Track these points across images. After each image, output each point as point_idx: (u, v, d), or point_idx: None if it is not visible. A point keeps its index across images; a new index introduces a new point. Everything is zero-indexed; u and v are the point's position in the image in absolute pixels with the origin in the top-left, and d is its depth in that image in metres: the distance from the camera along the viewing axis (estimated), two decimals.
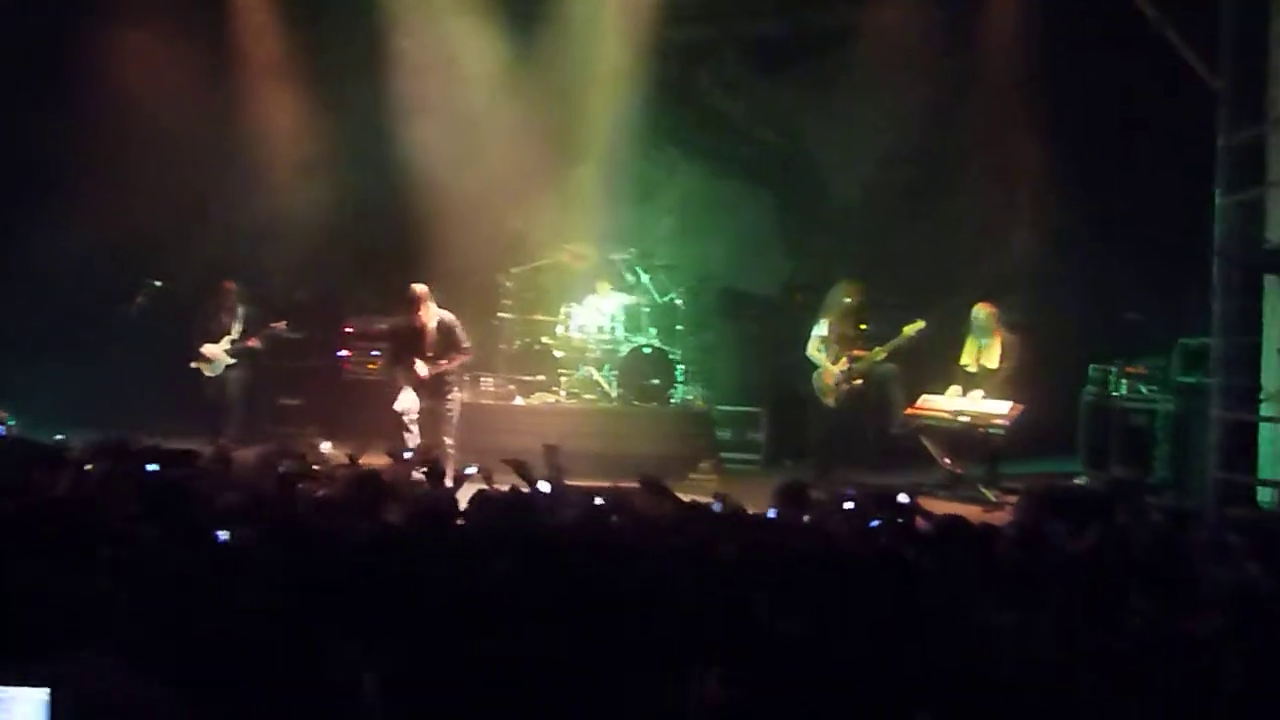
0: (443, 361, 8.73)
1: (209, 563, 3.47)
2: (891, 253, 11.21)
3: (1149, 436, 9.20)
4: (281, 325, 10.46)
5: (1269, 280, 7.99)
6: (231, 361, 10.32)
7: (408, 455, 6.71)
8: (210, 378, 10.31)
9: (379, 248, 11.27)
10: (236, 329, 10.37)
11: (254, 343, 10.36)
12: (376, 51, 10.87)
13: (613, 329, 10.77)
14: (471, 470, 5.84)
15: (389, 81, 10.81)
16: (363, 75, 10.85)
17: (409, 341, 8.77)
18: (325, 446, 7.98)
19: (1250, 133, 7.89)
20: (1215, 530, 4.80)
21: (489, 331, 10.33)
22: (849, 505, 5.12)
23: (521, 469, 5.61)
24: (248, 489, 4.91)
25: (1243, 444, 7.84)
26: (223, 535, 3.83)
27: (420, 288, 8.80)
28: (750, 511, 5.17)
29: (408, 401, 8.64)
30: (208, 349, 10.32)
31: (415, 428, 8.50)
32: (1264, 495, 7.59)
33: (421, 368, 8.63)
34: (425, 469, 5.82)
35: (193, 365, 10.30)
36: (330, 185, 11.03)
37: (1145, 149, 9.81)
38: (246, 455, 6.25)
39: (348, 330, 11.68)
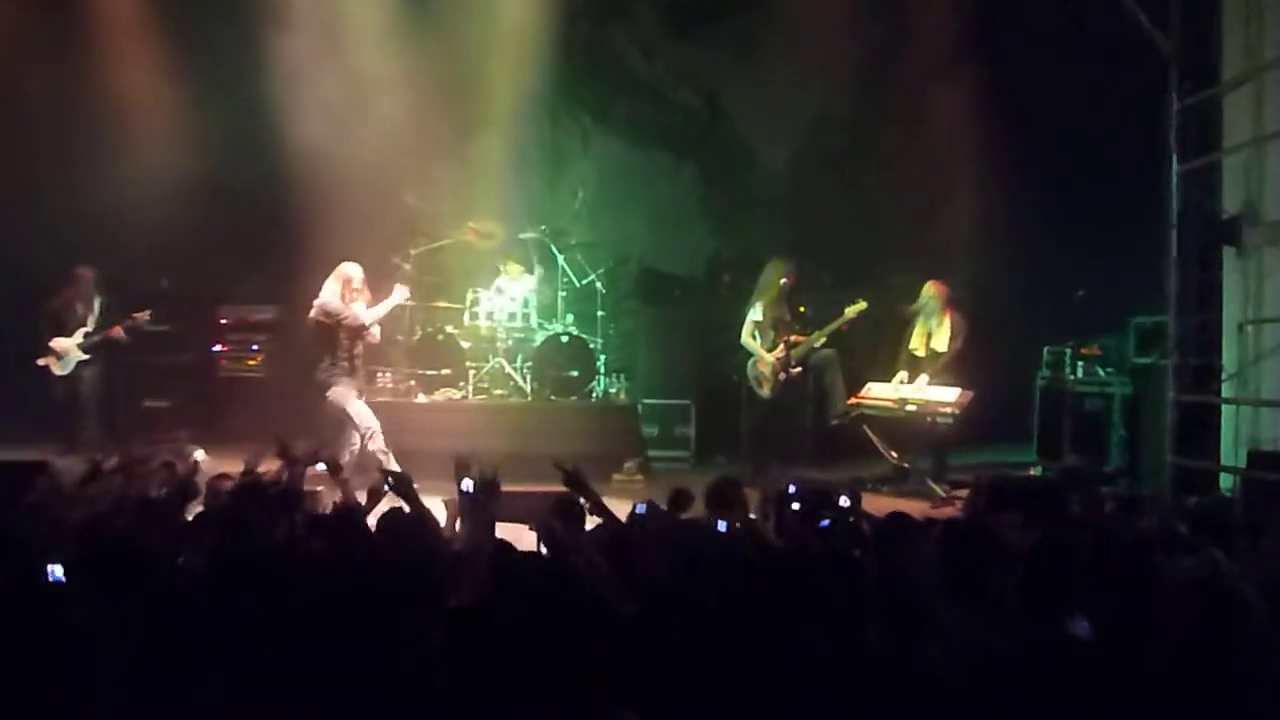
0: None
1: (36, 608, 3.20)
2: (825, 227, 11.42)
3: (1103, 422, 9.46)
4: (144, 316, 10.27)
5: (1227, 253, 8.18)
6: (85, 357, 10.19)
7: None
8: (61, 376, 10.14)
9: (256, 228, 11.14)
10: (92, 320, 10.30)
11: (116, 332, 10.16)
12: (250, 7, 10.73)
13: (525, 316, 10.77)
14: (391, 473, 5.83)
15: (265, 41, 10.69)
16: (235, 34, 10.71)
17: (350, 336, 8.57)
18: (199, 455, 7.53)
19: (1204, 95, 8.09)
20: (1167, 519, 4.95)
21: (385, 321, 10.06)
22: (797, 505, 5.19)
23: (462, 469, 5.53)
24: (91, 510, 4.81)
25: (1202, 427, 8.05)
26: (55, 572, 3.47)
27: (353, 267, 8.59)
28: (682, 516, 5.24)
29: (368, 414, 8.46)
30: (58, 343, 10.14)
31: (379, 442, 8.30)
32: (1226, 482, 7.81)
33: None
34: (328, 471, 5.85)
35: (41, 362, 10.11)
36: (200, 158, 10.85)
37: (1092, 113, 10.06)
38: (72, 467, 6.17)
39: (222, 321, 11.63)
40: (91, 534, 4.22)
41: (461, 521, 4.97)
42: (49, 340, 10.14)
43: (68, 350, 10.15)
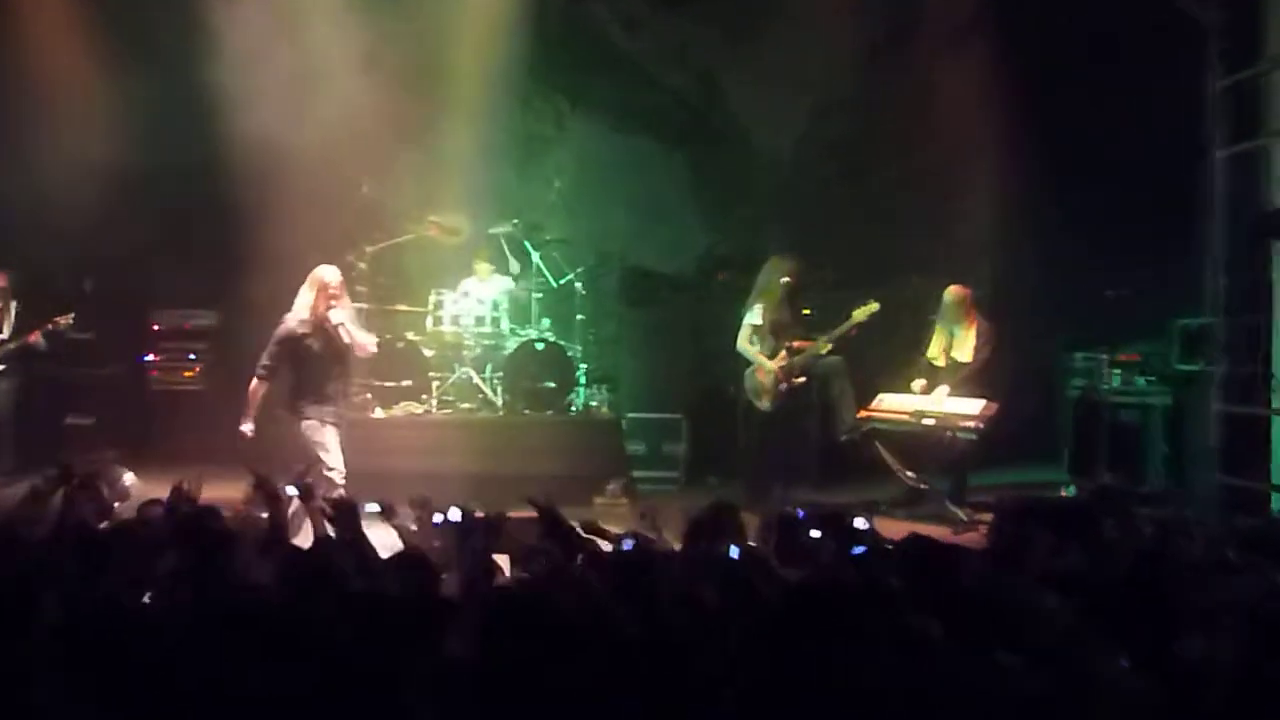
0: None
1: None
2: (829, 220, 11.34)
3: (1142, 436, 9.49)
4: (66, 320, 10.21)
5: (1276, 248, 8.20)
6: None
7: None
8: None
9: (194, 224, 11.09)
10: (6, 327, 10.24)
11: (34, 339, 10.07)
12: None
13: (495, 320, 10.70)
14: (373, 508, 5.70)
15: (205, 15, 10.57)
16: (171, 6, 10.63)
17: (340, 358, 8.09)
18: (128, 478, 7.76)
19: (1247, 73, 8.09)
20: (1215, 544, 4.98)
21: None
22: (816, 532, 5.13)
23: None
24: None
25: (1251, 442, 8.05)
26: None
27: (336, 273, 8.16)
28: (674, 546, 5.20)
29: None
30: None
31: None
32: (1278, 502, 7.88)
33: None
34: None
35: None
36: (129, 144, 10.72)
37: (1123, 95, 10.03)
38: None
39: (154, 328, 11.62)
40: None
41: (449, 557, 4.91)
42: None
43: None
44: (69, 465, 5.61)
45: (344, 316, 7.93)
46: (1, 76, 10.81)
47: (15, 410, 10.22)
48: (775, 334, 9.67)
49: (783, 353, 9.61)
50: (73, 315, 10.23)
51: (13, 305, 10.21)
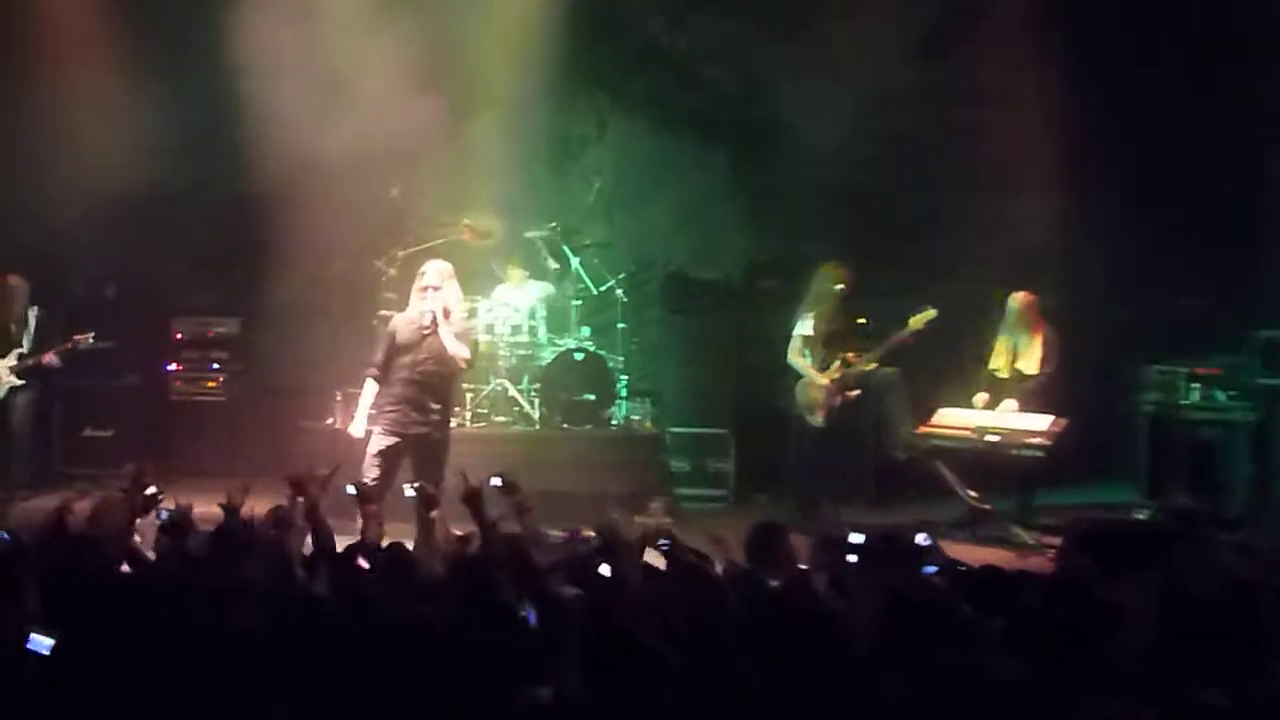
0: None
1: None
2: (884, 221, 11.22)
3: (1223, 455, 9.30)
4: (86, 339, 10.23)
5: None
6: (19, 382, 10.14)
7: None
8: None
9: (218, 229, 11.08)
10: (27, 339, 10.24)
11: (49, 359, 10.13)
12: None
13: (532, 329, 10.64)
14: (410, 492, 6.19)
15: (227, 14, 10.61)
16: (197, 12, 10.71)
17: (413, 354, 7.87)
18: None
19: None
20: None
21: (365, 336, 9.97)
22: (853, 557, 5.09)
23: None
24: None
25: None
26: (43, 645, 3.34)
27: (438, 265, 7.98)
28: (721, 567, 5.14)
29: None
30: None
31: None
32: None
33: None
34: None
35: None
36: (154, 149, 10.78)
37: (1200, 82, 10.01)
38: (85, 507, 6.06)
39: (176, 336, 11.51)
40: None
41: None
42: None
43: None
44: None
45: (441, 315, 7.70)
46: (29, 83, 10.95)
47: (34, 423, 10.24)
48: (827, 345, 9.58)
49: (835, 365, 9.52)
50: (92, 335, 10.23)
51: (32, 314, 10.22)
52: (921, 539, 5.30)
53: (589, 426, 10.38)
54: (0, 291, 10.24)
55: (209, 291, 11.44)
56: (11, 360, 10.13)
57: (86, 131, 10.86)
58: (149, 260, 10.95)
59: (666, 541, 5.20)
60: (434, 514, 6.18)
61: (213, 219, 11.08)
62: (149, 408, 11.27)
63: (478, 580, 4.45)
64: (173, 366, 11.46)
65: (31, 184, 10.79)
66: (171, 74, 10.85)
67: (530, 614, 4.10)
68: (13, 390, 10.12)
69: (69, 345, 10.15)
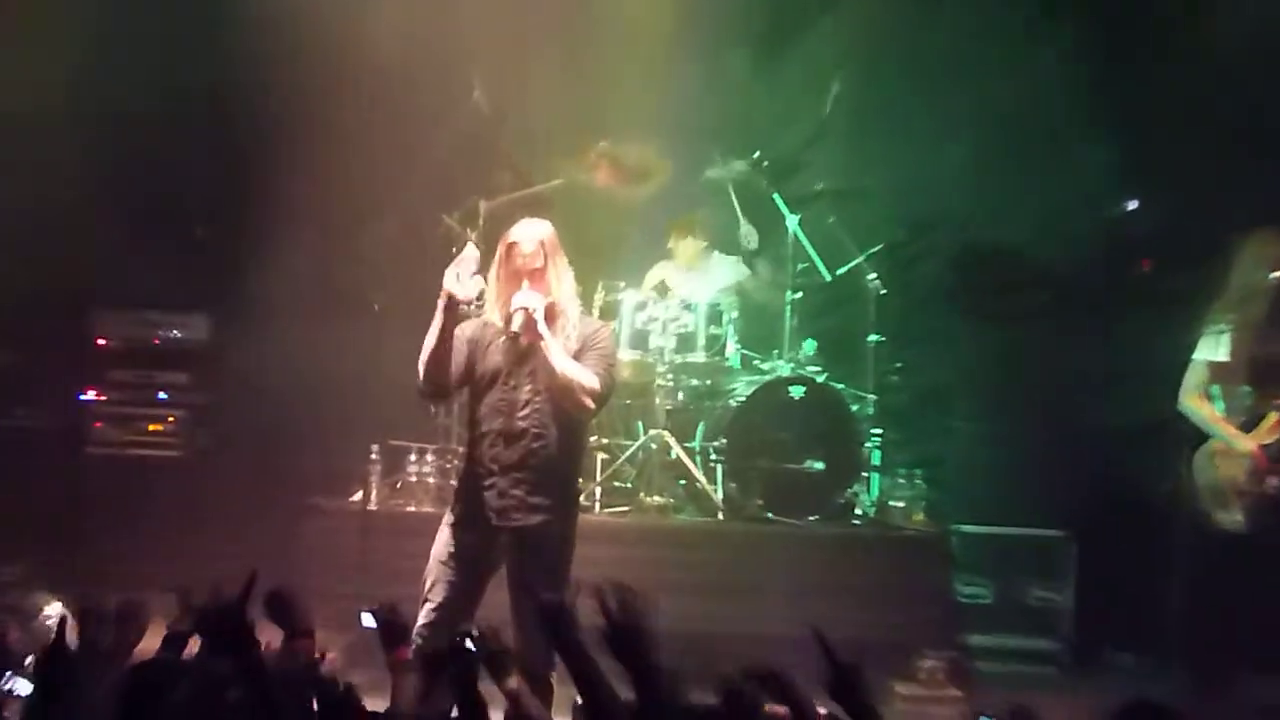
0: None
1: None
2: None
3: None
4: None
5: None
6: None
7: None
8: None
9: (170, 164, 9.55)
10: None
11: None
12: None
13: (714, 341, 9.13)
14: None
15: None
16: None
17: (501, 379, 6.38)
18: (53, 610, 6.81)
19: None
20: None
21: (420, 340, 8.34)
22: None
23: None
24: None
25: None
26: None
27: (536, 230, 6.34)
28: None
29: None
30: None
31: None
32: None
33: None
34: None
35: None
36: (56, 32, 9.20)
37: None
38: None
39: (99, 344, 9.76)
40: None
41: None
42: None
43: None
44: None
45: (542, 316, 5.91)
46: None
47: None
48: (1257, 381, 7.95)
49: (1273, 417, 7.82)
50: None
51: None
52: None
53: (814, 518, 8.84)
54: None
55: (156, 269, 9.41)
56: None
57: None
58: (52, 215, 9.23)
59: None
60: (512, 683, 4.44)
61: (163, 148, 9.47)
62: (49, 467, 9.45)
63: None
64: (91, 395, 9.59)
65: None
66: None
67: None
68: None
69: None
